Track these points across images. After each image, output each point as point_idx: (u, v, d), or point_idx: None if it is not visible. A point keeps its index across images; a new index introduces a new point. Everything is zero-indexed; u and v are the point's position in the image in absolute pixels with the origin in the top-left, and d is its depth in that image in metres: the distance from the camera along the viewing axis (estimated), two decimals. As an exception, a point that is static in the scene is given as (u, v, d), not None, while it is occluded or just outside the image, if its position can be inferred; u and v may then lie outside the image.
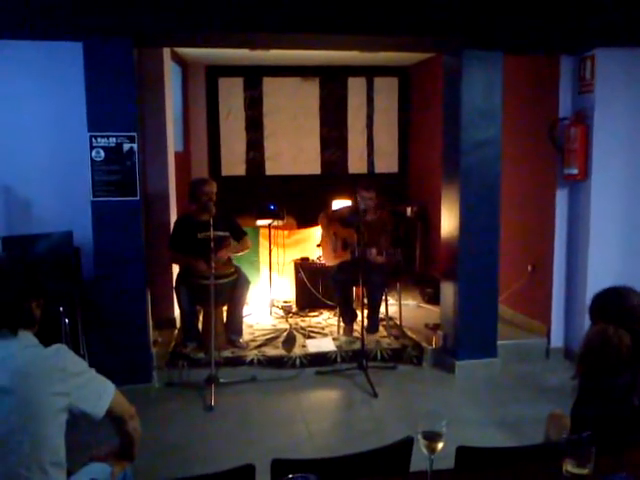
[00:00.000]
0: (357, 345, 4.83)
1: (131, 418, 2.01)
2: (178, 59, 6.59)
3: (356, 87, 7.84)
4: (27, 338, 1.84)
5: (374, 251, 4.84)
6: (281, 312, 5.94)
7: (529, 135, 5.29)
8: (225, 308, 5.01)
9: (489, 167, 4.61)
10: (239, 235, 4.97)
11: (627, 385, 2.16)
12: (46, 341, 1.88)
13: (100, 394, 1.90)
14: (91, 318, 4.27)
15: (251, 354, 4.77)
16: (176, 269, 5.11)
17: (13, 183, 4.34)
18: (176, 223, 5.05)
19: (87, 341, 4.21)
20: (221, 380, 4.37)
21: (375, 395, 4.30)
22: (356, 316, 5.26)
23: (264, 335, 5.27)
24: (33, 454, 1.75)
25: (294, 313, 5.93)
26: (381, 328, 5.31)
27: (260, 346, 4.97)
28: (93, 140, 4.17)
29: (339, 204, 6.19)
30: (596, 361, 2.18)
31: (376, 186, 5.19)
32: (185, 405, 4.22)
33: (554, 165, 4.94)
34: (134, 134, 4.22)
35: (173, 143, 5.65)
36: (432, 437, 1.65)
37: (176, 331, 5.31)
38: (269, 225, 5.97)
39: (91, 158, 4.18)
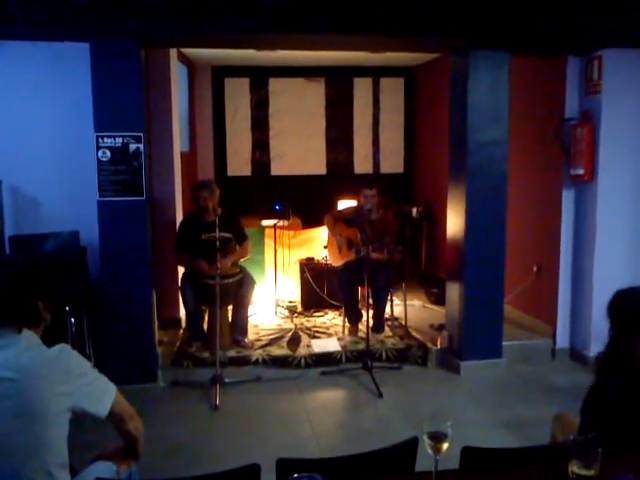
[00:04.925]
0: (362, 345, 4.83)
1: (131, 418, 2.00)
2: (184, 59, 6.60)
3: (362, 87, 7.84)
4: (31, 337, 1.83)
5: (373, 254, 4.78)
6: (286, 312, 5.95)
7: (535, 135, 5.28)
8: (230, 308, 5.02)
9: (495, 167, 4.60)
10: (241, 238, 4.96)
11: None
12: (52, 341, 1.88)
13: (102, 394, 1.90)
14: (97, 317, 4.29)
15: (256, 354, 4.78)
16: (182, 269, 5.12)
17: (20, 183, 4.37)
18: (182, 222, 5.08)
19: (93, 340, 4.23)
20: (226, 380, 4.37)
21: (380, 395, 4.30)
22: (361, 316, 5.26)
23: (269, 335, 5.27)
24: (37, 455, 1.75)
25: (299, 313, 5.94)
26: (386, 328, 5.31)
27: (265, 346, 4.97)
28: (99, 140, 4.18)
29: (345, 204, 6.19)
30: None
31: (378, 184, 5.19)
32: (190, 405, 4.22)
33: (560, 165, 4.93)
34: (140, 134, 4.24)
35: (179, 143, 5.67)
36: (437, 437, 1.65)
37: (181, 331, 5.32)
38: (274, 225, 5.98)
39: (97, 158, 4.20)
